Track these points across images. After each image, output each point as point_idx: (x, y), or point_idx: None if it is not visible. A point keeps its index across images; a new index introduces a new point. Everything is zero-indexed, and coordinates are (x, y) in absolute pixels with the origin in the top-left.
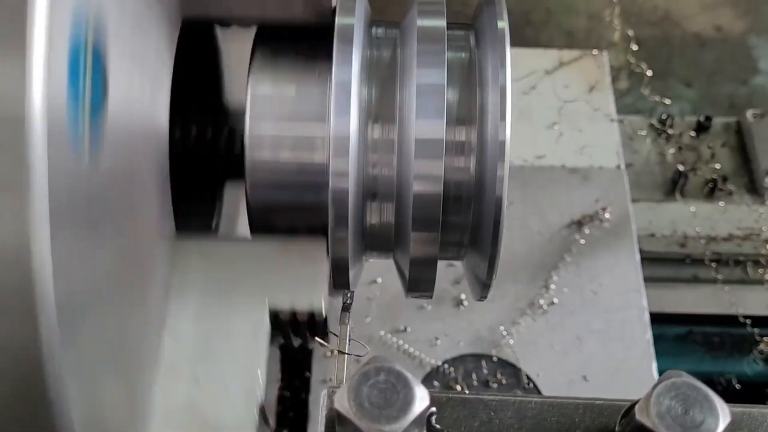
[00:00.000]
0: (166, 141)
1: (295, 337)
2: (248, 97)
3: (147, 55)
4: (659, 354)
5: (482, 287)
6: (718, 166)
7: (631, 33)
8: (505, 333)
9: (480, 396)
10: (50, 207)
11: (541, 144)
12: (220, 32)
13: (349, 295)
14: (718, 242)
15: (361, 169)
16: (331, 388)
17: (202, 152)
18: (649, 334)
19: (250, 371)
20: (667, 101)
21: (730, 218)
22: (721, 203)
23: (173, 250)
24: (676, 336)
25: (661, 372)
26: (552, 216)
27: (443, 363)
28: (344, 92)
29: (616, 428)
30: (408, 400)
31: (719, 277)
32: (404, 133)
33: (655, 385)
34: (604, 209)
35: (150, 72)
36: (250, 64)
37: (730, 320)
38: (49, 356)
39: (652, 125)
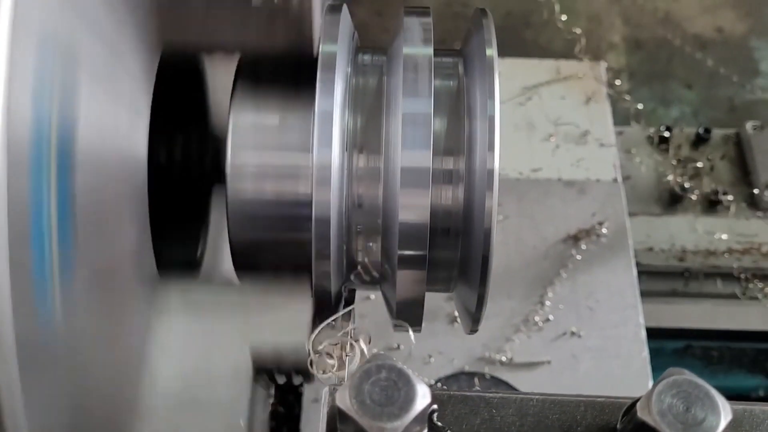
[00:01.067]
0: (144, 171)
1: (280, 376)
2: (230, 127)
3: (122, 83)
4: (657, 368)
5: (473, 321)
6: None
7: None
8: (498, 353)
9: (481, 394)
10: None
11: (537, 156)
12: (205, 58)
13: (348, 291)
14: (717, 256)
15: (345, 199)
16: (333, 386)
17: (185, 176)
18: (645, 352)
19: (233, 416)
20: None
21: (729, 232)
22: (721, 217)
23: (154, 292)
24: (675, 350)
25: None
26: (548, 230)
27: (436, 381)
28: (327, 122)
29: (618, 426)
30: (409, 398)
31: (718, 291)
32: (390, 163)
33: (657, 383)
34: (600, 224)
35: (126, 100)
36: (232, 92)
37: (729, 335)
38: (9, 400)
39: (650, 137)
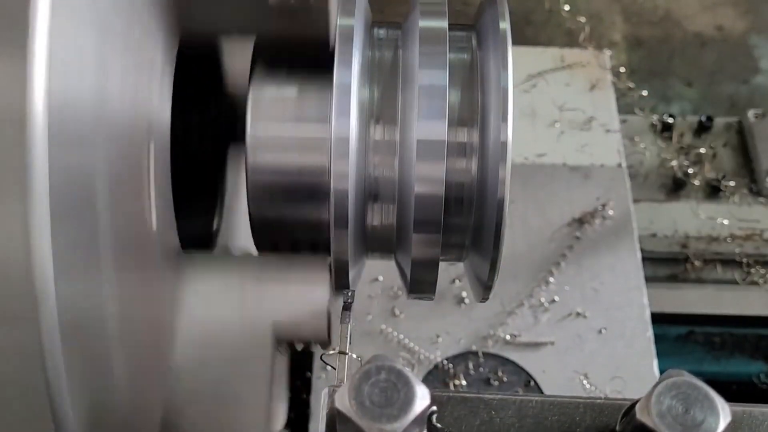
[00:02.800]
0: (167, 139)
1: (299, 344)
2: (249, 99)
3: (149, 55)
4: (660, 354)
5: (484, 288)
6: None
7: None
8: (504, 333)
9: (480, 395)
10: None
11: (542, 142)
12: (223, 40)
13: (349, 294)
14: (719, 242)
15: (362, 171)
16: (332, 387)
17: (202, 137)
18: (650, 332)
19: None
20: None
21: (731, 218)
22: (723, 203)
23: (178, 264)
24: (677, 336)
25: (662, 371)
26: (553, 214)
27: (443, 360)
28: (345, 94)
29: (617, 427)
30: (409, 399)
31: (720, 277)
32: (406, 135)
33: (656, 385)
34: (604, 206)
35: (156, 74)
36: (251, 66)
37: (732, 320)
38: (52, 365)
39: (653, 125)
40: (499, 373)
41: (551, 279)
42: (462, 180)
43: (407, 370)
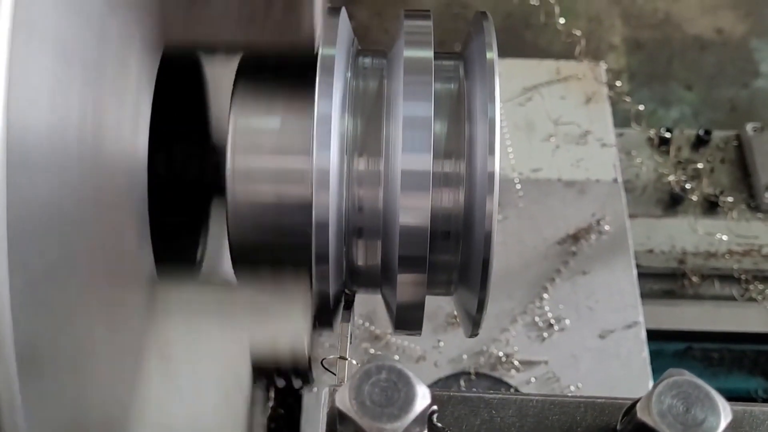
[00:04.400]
0: (144, 172)
1: (279, 379)
2: (230, 129)
3: (123, 81)
4: (657, 371)
5: (473, 324)
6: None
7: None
8: (498, 351)
9: (481, 394)
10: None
11: (537, 157)
12: (205, 60)
13: (351, 294)
14: (717, 258)
15: (345, 203)
16: (333, 387)
17: (184, 185)
18: (645, 352)
19: (233, 420)
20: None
21: (729, 234)
22: (721, 219)
23: (152, 294)
24: (675, 352)
25: None
26: (548, 230)
27: (436, 382)
28: (325, 125)
29: (618, 427)
30: (409, 399)
31: (719, 293)
32: (390, 166)
33: (657, 384)
34: (599, 221)
35: (128, 99)
36: (232, 94)
37: (730, 337)
38: (9, 406)
39: (650, 139)
40: None
41: (545, 296)
42: (449, 212)
43: (408, 370)
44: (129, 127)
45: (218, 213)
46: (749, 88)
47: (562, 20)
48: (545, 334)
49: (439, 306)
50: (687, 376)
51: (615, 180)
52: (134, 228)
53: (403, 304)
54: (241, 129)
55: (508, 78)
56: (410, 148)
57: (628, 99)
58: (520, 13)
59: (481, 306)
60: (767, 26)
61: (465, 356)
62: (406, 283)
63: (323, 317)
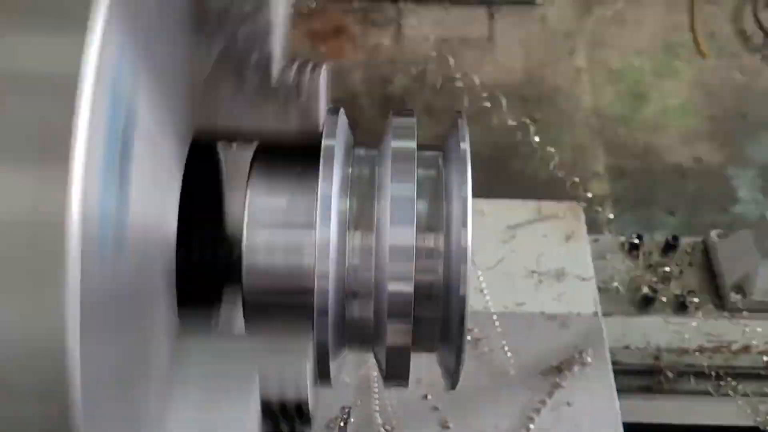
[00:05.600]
0: (173, 248)
1: (284, 422)
2: (246, 207)
3: (161, 167)
4: None
5: (452, 376)
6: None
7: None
8: None
9: None
10: (81, 306)
11: (520, 291)
12: (222, 153)
13: (347, 411)
14: (690, 354)
15: (342, 272)
16: None
17: (204, 259)
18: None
19: None
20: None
21: (699, 332)
22: (690, 318)
23: (176, 349)
24: None
25: None
26: (530, 361)
27: None
28: (326, 205)
29: None
30: None
31: (693, 388)
32: (380, 240)
33: None
34: (581, 353)
35: (162, 183)
36: (248, 176)
37: (705, 430)
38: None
39: (622, 244)
40: None
41: (531, 426)
42: (430, 279)
43: None
44: (163, 209)
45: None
46: (729, 212)
47: (553, 163)
48: None
49: None
50: None
51: (595, 313)
52: (165, 297)
53: (392, 355)
54: (255, 207)
55: (494, 217)
56: (397, 223)
57: (599, 209)
58: (507, 143)
59: (458, 356)
60: (742, 155)
61: None
62: (395, 335)
63: (322, 370)
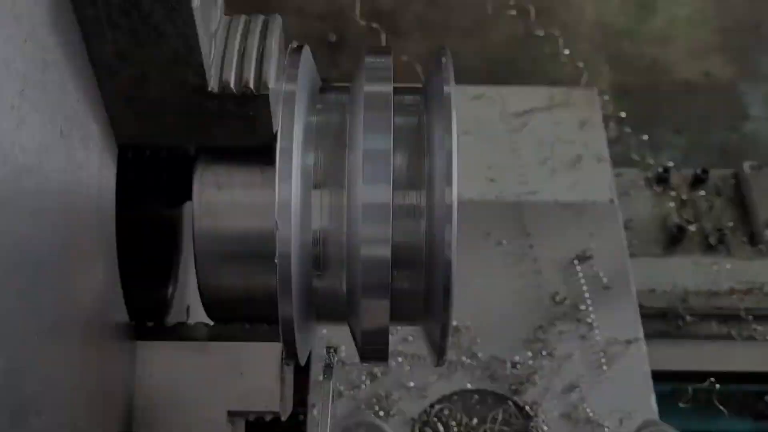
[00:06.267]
0: (112, 211)
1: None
2: (197, 168)
3: (91, 126)
4: None
5: (438, 353)
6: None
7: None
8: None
9: None
10: None
11: (533, 180)
12: None
13: (332, 352)
14: (720, 297)
15: (308, 235)
16: None
17: (154, 199)
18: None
19: None
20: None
21: (731, 272)
22: (722, 257)
23: (128, 336)
24: (662, 394)
25: None
26: (546, 252)
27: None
28: (287, 159)
29: None
30: None
31: (722, 332)
32: (351, 199)
33: None
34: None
35: (96, 142)
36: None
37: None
38: None
39: (648, 179)
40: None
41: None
42: (411, 242)
43: (386, 427)
44: (98, 166)
45: (187, 252)
46: (739, 131)
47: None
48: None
49: None
50: (661, 426)
51: (611, 201)
52: (103, 270)
53: (367, 332)
54: (207, 166)
55: (504, 104)
56: (370, 180)
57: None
58: (506, 59)
59: (444, 332)
60: (755, 69)
61: None
62: (370, 312)
63: (289, 346)
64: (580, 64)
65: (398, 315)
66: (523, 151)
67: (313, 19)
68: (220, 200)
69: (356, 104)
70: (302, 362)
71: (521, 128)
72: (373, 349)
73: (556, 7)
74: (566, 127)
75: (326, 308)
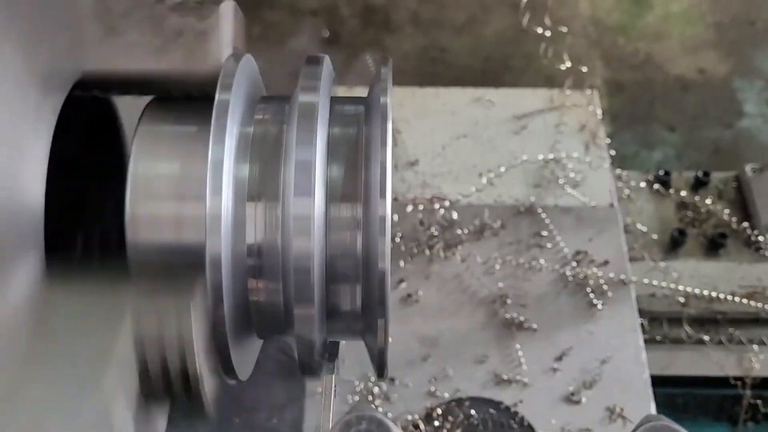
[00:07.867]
0: (40, 205)
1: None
2: (129, 173)
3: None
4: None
5: (377, 364)
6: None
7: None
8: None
9: None
10: None
11: (532, 183)
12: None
13: (335, 352)
14: (720, 301)
15: (242, 248)
16: None
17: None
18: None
19: None
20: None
21: (731, 276)
22: (723, 261)
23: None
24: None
25: None
26: (545, 256)
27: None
28: (218, 171)
29: None
30: None
31: (722, 338)
32: (284, 211)
33: (635, 429)
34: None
35: (19, 135)
36: (134, 136)
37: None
38: None
39: (649, 181)
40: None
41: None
42: (347, 255)
43: (388, 420)
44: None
45: None
46: (733, 128)
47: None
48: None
49: None
50: (664, 420)
51: (611, 205)
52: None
53: (304, 346)
54: (140, 174)
55: (502, 107)
56: (301, 191)
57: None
58: (500, 56)
59: (382, 347)
60: (750, 66)
61: None
62: (305, 325)
63: (224, 361)
64: (569, 64)
65: (338, 328)
66: (522, 154)
67: (306, 15)
68: (152, 211)
69: (291, 115)
70: (243, 378)
71: (520, 131)
72: (310, 362)
73: (550, 2)
74: (566, 130)
75: (264, 322)
